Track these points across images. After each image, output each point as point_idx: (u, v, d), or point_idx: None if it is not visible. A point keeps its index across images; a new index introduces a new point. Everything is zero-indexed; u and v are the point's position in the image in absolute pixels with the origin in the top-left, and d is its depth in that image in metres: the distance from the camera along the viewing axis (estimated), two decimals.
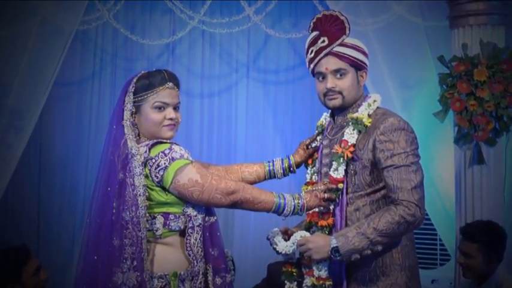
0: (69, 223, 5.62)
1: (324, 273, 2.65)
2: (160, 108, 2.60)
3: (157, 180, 2.54)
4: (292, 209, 2.64)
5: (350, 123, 2.72)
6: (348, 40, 2.75)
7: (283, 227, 2.80)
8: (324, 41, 2.75)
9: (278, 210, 2.64)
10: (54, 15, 4.70)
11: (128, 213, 2.50)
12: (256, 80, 5.72)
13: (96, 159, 3.36)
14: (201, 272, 2.59)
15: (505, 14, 4.16)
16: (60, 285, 5.31)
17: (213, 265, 2.60)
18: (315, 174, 2.92)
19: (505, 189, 4.15)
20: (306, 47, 2.81)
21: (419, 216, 2.59)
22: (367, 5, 4.51)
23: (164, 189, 2.55)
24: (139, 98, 2.60)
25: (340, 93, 2.74)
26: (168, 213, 2.57)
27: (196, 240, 2.57)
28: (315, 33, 2.78)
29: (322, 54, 2.74)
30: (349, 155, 2.68)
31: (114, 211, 2.52)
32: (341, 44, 2.74)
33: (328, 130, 2.88)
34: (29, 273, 3.31)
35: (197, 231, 2.58)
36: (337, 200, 2.70)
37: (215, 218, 2.65)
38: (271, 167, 2.98)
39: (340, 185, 2.69)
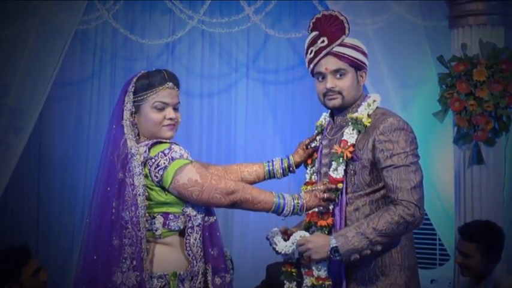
0: (69, 223, 5.61)
1: (323, 273, 2.65)
2: (160, 108, 2.60)
3: (156, 180, 2.54)
4: (291, 209, 2.64)
5: (349, 123, 2.72)
6: (348, 40, 2.75)
7: (283, 227, 2.80)
8: (323, 41, 2.74)
9: (278, 210, 2.64)
10: (53, 15, 4.70)
11: (127, 213, 2.50)
12: (255, 80, 5.71)
13: (96, 159, 3.35)
14: (200, 272, 2.58)
15: (504, 14, 4.17)
16: (60, 285, 5.32)
17: (212, 265, 2.60)
18: (315, 174, 2.92)
19: (504, 189, 4.15)
20: (306, 47, 2.81)
21: (418, 216, 2.59)
22: (366, 5, 4.51)
23: (164, 189, 2.55)
24: (139, 98, 2.60)
25: (339, 93, 2.74)
26: (168, 213, 2.57)
27: (195, 240, 2.57)
28: (314, 33, 2.78)
29: (321, 55, 2.74)
30: (349, 155, 2.68)
31: (113, 211, 2.52)
32: (341, 44, 2.74)
33: (328, 130, 2.88)
34: (28, 274, 3.31)
35: (197, 231, 2.57)
36: (337, 200, 2.70)
37: (215, 218, 2.64)
38: (270, 167, 2.98)
39: (340, 185, 2.69)
